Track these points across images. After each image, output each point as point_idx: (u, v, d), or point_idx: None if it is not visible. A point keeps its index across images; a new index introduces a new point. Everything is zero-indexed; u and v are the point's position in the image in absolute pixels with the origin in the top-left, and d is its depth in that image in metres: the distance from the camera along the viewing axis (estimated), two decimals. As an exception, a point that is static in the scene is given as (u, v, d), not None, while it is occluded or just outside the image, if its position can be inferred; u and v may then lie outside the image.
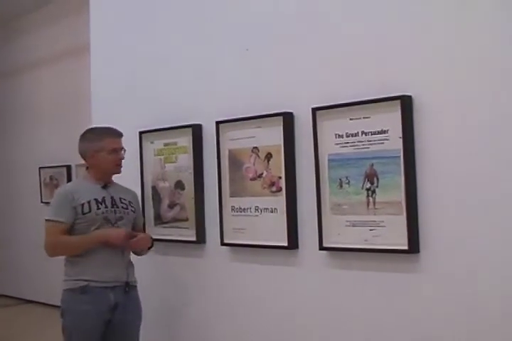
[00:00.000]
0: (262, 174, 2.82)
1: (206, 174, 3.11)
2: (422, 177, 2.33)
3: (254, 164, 2.85)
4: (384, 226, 2.40)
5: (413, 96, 2.34)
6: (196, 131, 3.12)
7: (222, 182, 2.97)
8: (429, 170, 2.31)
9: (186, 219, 3.16)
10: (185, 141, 3.16)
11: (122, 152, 2.94)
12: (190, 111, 3.18)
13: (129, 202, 2.98)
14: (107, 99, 3.67)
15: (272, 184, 2.77)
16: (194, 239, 3.11)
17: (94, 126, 2.98)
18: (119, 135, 2.94)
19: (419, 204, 2.33)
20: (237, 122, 2.89)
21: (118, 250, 2.88)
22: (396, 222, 2.36)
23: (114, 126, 3.01)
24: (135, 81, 3.48)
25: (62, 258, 2.92)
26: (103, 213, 2.88)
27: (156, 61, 3.36)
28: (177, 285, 3.25)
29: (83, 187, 2.87)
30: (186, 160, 3.17)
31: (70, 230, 2.84)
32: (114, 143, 2.91)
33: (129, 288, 2.91)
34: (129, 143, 3.43)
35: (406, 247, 2.33)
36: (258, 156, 2.83)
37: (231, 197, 2.94)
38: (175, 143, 3.22)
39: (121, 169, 2.96)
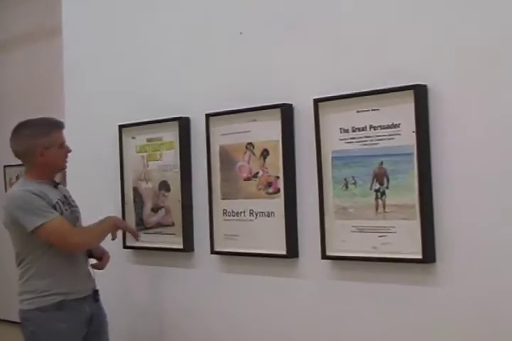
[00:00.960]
0: (257, 173, 2.82)
1: (195, 173, 3.12)
2: (438, 177, 2.33)
3: (248, 162, 2.85)
4: (395, 233, 2.40)
5: (428, 86, 2.33)
6: (183, 124, 3.13)
7: (213, 183, 2.98)
8: (446, 169, 2.31)
9: (172, 225, 3.17)
10: (171, 135, 3.17)
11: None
12: (177, 102, 3.18)
13: (74, 200, 3.06)
14: (82, 87, 3.67)
15: (269, 185, 2.78)
16: (181, 246, 3.12)
17: (26, 119, 2.97)
18: (63, 126, 2.96)
19: (435, 207, 2.33)
20: (230, 115, 2.90)
21: (83, 257, 2.94)
22: (409, 227, 2.36)
23: (52, 117, 2.99)
24: (114, 67, 3.49)
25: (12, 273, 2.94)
26: (71, 214, 2.93)
27: (139, 46, 3.37)
28: (160, 299, 3.24)
29: (43, 188, 2.85)
30: (172, 157, 3.17)
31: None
32: (62, 136, 2.92)
33: (97, 295, 2.98)
34: (107, 139, 3.44)
35: (420, 256, 2.33)
36: (253, 153, 2.84)
37: (223, 199, 2.95)
38: (159, 139, 3.23)
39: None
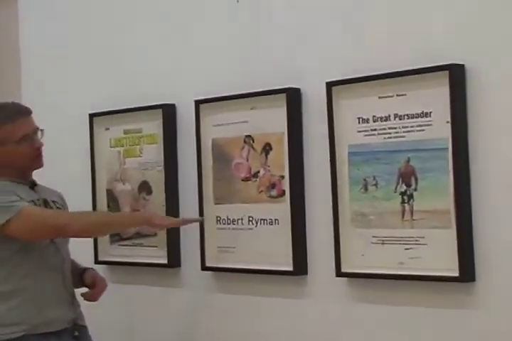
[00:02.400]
0: (257, 173, 2.83)
1: (182, 173, 3.12)
2: (477, 176, 2.33)
3: (247, 159, 2.86)
4: (425, 245, 2.40)
5: (466, 66, 2.34)
6: (168, 113, 3.14)
7: (204, 184, 2.99)
8: (487, 168, 2.31)
9: (154, 235, 3.17)
10: (153, 127, 3.18)
11: (38, 135, 2.81)
12: (160, 86, 3.19)
13: (61, 205, 2.95)
14: (42, 66, 3.68)
15: (272, 186, 2.78)
16: (165, 261, 3.13)
17: None
18: (26, 112, 2.77)
19: (475, 213, 2.33)
20: (224, 102, 2.91)
21: (58, 274, 2.80)
22: (442, 238, 2.36)
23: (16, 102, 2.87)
24: (83, 46, 3.49)
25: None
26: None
27: (113, 19, 3.38)
28: (139, 325, 3.23)
29: (13, 187, 2.76)
30: (154, 153, 3.18)
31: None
32: (22, 127, 2.73)
33: (78, 330, 2.80)
34: (75, 130, 3.46)
35: (456, 273, 2.33)
36: (252, 148, 2.84)
37: (216, 204, 2.96)
38: (139, 130, 3.23)
39: (43, 159, 2.82)
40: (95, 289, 2.83)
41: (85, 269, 2.89)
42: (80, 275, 2.86)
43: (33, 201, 2.73)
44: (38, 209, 2.69)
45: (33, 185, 2.82)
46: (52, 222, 2.63)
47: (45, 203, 2.80)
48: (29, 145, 2.73)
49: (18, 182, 2.75)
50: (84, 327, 2.83)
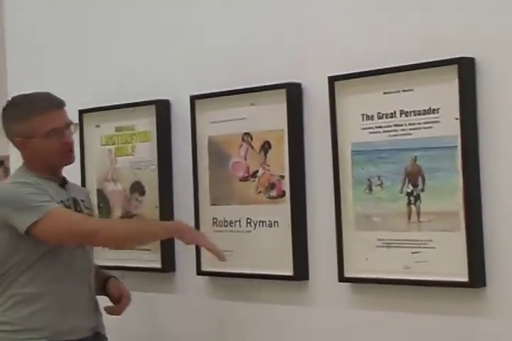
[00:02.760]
0: (256, 172, 2.83)
1: (176, 172, 3.13)
2: (488, 176, 2.33)
3: (245, 158, 2.86)
4: (433, 248, 2.40)
5: (476, 59, 2.33)
6: (162, 109, 3.14)
7: (200, 184, 2.99)
8: (499, 167, 2.31)
9: None
10: (146, 124, 3.18)
11: (71, 129, 2.76)
12: (154, 80, 3.19)
13: (90, 205, 2.94)
14: (29, 59, 3.67)
15: (271, 186, 2.79)
16: (159, 265, 3.13)
17: (22, 93, 2.82)
18: (59, 104, 2.75)
19: (485, 215, 2.33)
20: (221, 97, 2.91)
21: (85, 280, 2.77)
22: (450, 241, 2.36)
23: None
24: (74, 37, 3.49)
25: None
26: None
27: (108, 12, 3.38)
28: (132, 332, 3.23)
29: (43, 184, 2.72)
30: (148, 151, 3.18)
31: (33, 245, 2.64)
32: (52, 120, 2.70)
33: (99, 340, 2.79)
34: None
35: (466, 279, 2.33)
36: (251, 146, 2.84)
37: (212, 205, 2.96)
38: (131, 128, 3.23)
39: (73, 155, 2.80)
40: (121, 304, 2.84)
41: (109, 277, 2.88)
42: (103, 283, 2.85)
43: (62, 201, 2.71)
44: (67, 213, 2.67)
45: (63, 182, 2.80)
46: (80, 228, 2.61)
47: (75, 203, 2.79)
48: (58, 140, 2.70)
49: (47, 178, 2.72)
50: (105, 338, 2.82)
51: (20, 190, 2.63)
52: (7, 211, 2.60)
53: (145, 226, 2.75)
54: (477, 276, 2.31)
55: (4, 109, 2.77)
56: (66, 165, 2.80)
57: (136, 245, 2.89)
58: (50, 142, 2.69)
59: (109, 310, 2.82)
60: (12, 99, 2.81)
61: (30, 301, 2.64)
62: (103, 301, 2.86)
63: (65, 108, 2.76)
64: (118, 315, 2.84)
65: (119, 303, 2.83)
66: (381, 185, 2.50)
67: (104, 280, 2.86)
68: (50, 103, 2.73)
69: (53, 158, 2.72)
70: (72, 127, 2.77)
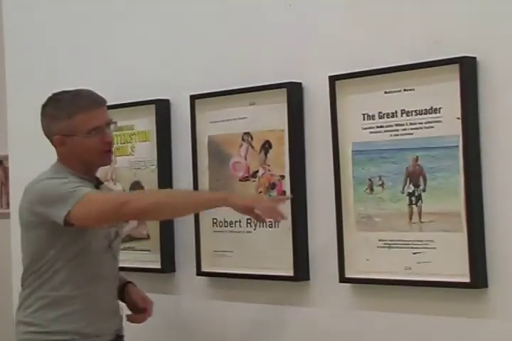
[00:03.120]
0: (256, 172, 2.83)
1: (176, 172, 3.12)
2: (490, 176, 2.33)
3: (245, 158, 2.86)
4: (434, 249, 2.40)
5: (478, 59, 2.33)
6: (162, 109, 3.14)
7: (200, 184, 2.99)
8: (501, 167, 2.31)
9: (147, 238, 3.19)
10: (146, 123, 3.18)
11: (111, 128, 2.72)
12: (153, 80, 3.19)
13: None
14: (28, 59, 3.67)
15: (272, 186, 2.78)
16: (158, 266, 3.13)
17: (63, 90, 2.75)
18: (101, 102, 2.69)
19: (487, 216, 2.33)
20: (221, 97, 2.91)
21: (112, 283, 2.74)
22: (452, 241, 2.36)
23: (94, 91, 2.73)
24: (73, 35, 3.49)
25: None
26: (112, 227, 2.72)
27: (107, 10, 3.37)
28: (132, 334, 3.19)
29: (78, 181, 2.67)
30: (147, 151, 3.18)
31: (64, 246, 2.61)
32: (95, 118, 2.65)
33: None
34: None
35: (467, 279, 2.33)
36: (251, 146, 2.84)
37: None
38: (130, 127, 3.23)
39: (112, 156, 2.76)
40: (146, 314, 2.82)
41: (127, 282, 2.85)
42: (121, 288, 2.82)
43: None
44: (97, 194, 2.62)
45: (98, 183, 2.76)
46: (111, 202, 2.55)
47: None
48: (100, 139, 2.65)
49: (83, 177, 2.67)
50: (122, 337, 2.81)
51: (53, 183, 2.59)
52: (44, 207, 2.56)
53: (181, 197, 2.62)
54: (479, 277, 2.31)
55: (45, 106, 2.72)
56: (104, 165, 2.78)
57: (168, 217, 2.80)
58: (91, 141, 2.64)
59: (132, 319, 2.80)
60: (53, 95, 2.73)
61: (60, 304, 2.61)
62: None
63: (106, 106, 2.71)
64: (139, 323, 2.82)
65: (145, 313, 2.81)
66: (382, 185, 2.50)
67: (122, 285, 2.83)
68: (92, 101, 2.68)
69: (92, 157, 2.67)
70: (112, 126, 2.72)
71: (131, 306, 2.83)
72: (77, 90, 2.71)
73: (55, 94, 2.73)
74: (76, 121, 2.62)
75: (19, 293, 2.73)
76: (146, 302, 2.83)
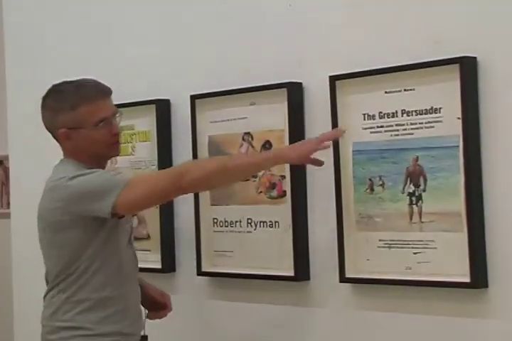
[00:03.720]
0: None
1: None
2: (490, 176, 2.33)
3: None
4: (434, 249, 2.40)
5: (478, 59, 2.33)
6: (162, 109, 3.14)
7: None
8: (501, 167, 2.31)
9: (147, 238, 3.18)
10: (146, 123, 3.19)
11: (117, 118, 2.59)
12: (154, 80, 3.19)
13: None
14: (28, 58, 3.67)
15: (272, 186, 2.79)
16: (159, 265, 3.14)
17: (64, 80, 2.62)
18: (107, 92, 2.57)
19: (487, 216, 2.33)
20: (222, 97, 2.91)
21: (137, 282, 2.65)
22: (452, 242, 2.36)
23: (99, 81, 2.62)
24: (73, 34, 3.49)
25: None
26: (127, 222, 2.62)
27: (107, 9, 3.38)
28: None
29: None
30: (148, 151, 3.18)
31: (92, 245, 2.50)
32: (101, 109, 2.53)
33: None
34: None
35: (468, 279, 2.33)
36: (252, 146, 2.84)
37: (213, 205, 2.96)
38: (131, 127, 3.23)
39: (120, 147, 2.63)
40: (166, 310, 2.77)
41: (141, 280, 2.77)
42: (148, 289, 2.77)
43: None
44: (144, 174, 2.56)
45: None
46: (164, 178, 2.44)
47: None
48: (107, 131, 2.54)
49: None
50: (147, 337, 2.75)
51: (89, 178, 2.45)
52: (84, 204, 2.44)
53: (237, 160, 2.48)
54: (479, 277, 2.31)
55: (45, 98, 2.59)
56: (113, 156, 2.70)
57: (228, 182, 2.65)
58: (98, 133, 2.52)
59: (153, 316, 2.75)
60: (54, 86, 2.61)
61: (102, 305, 2.52)
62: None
63: (111, 96, 2.61)
64: (160, 319, 2.78)
65: (165, 309, 2.76)
66: (382, 185, 2.50)
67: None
68: (98, 90, 2.55)
69: (101, 149, 2.55)
70: (118, 117, 2.60)
71: (150, 303, 2.76)
72: (79, 80, 2.58)
73: (55, 86, 2.60)
74: (82, 113, 2.50)
75: (48, 298, 2.57)
76: (165, 298, 2.78)
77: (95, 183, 2.44)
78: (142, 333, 2.67)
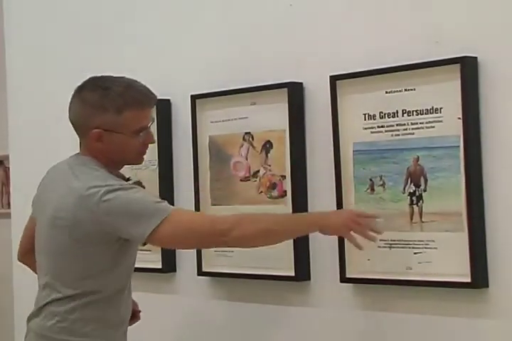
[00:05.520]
0: (257, 172, 2.84)
1: (177, 172, 3.13)
2: (491, 176, 2.33)
3: (246, 158, 2.87)
4: (435, 249, 2.41)
5: (479, 59, 2.33)
6: (162, 109, 3.15)
7: (201, 184, 3.00)
8: (502, 167, 2.31)
9: None
10: None
11: (151, 128, 2.49)
12: (153, 79, 3.13)
13: None
14: (29, 58, 3.68)
15: (273, 186, 2.79)
16: (159, 265, 3.13)
17: (103, 75, 2.47)
18: (154, 100, 2.47)
19: (488, 216, 2.33)
20: (222, 97, 2.91)
21: (129, 295, 2.55)
22: (453, 241, 2.37)
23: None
24: (74, 34, 3.49)
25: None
26: None
27: (108, 9, 3.38)
28: (133, 333, 3.20)
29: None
30: (148, 151, 3.09)
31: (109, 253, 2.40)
32: (145, 118, 2.42)
33: None
34: (63, 128, 3.39)
35: (468, 279, 2.34)
36: (252, 146, 2.85)
37: (213, 205, 2.96)
38: None
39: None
40: (136, 319, 2.69)
41: None
42: None
43: None
44: (187, 213, 2.46)
45: (127, 180, 2.52)
46: (210, 226, 2.32)
47: None
48: (142, 140, 2.43)
49: (116, 175, 2.46)
50: None
51: (128, 197, 2.32)
52: (121, 224, 2.31)
53: (285, 223, 2.40)
54: (480, 277, 2.31)
55: (87, 91, 2.42)
56: (136, 164, 2.58)
57: (269, 244, 2.43)
58: (135, 140, 2.41)
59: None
60: (99, 81, 2.43)
61: (93, 318, 2.43)
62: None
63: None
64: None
65: (135, 318, 2.67)
66: (383, 185, 2.51)
67: None
68: (147, 97, 2.44)
69: (130, 156, 2.45)
70: (151, 126, 2.51)
71: None
72: (128, 81, 2.43)
73: (100, 80, 2.43)
74: (126, 118, 2.37)
75: (47, 307, 2.45)
76: (135, 309, 2.67)
77: (138, 205, 2.31)
78: None
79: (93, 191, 2.32)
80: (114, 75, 2.45)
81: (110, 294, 2.43)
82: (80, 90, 2.44)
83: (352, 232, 2.31)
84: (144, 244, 2.40)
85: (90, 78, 2.46)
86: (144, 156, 2.52)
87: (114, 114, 2.37)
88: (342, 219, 2.33)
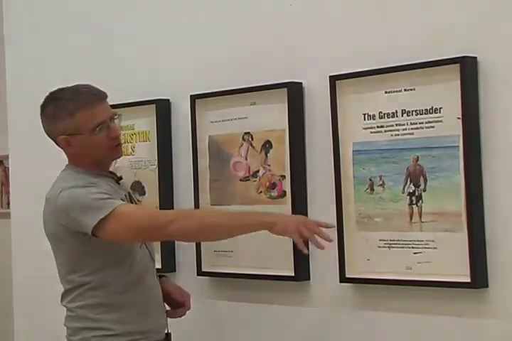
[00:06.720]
0: (257, 172, 2.84)
1: (176, 172, 3.12)
2: (490, 176, 2.33)
3: (246, 158, 2.86)
4: (435, 249, 2.41)
5: (479, 59, 2.33)
6: (162, 109, 3.14)
7: (200, 184, 2.99)
8: (501, 167, 2.31)
9: None
10: (146, 123, 3.19)
11: (115, 121, 2.58)
12: (154, 80, 3.19)
13: (137, 198, 2.84)
14: (28, 58, 3.67)
15: (272, 186, 2.79)
16: (159, 266, 3.09)
17: (59, 88, 2.60)
18: (103, 96, 2.58)
19: (487, 216, 2.34)
20: (222, 97, 2.91)
21: (156, 281, 2.65)
22: (453, 241, 2.37)
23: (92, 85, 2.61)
24: (72, 33, 3.49)
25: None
26: None
27: (107, 8, 3.38)
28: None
29: (102, 182, 2.57)
30: (147, 151, 3.18)
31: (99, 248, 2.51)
32: (97, 114, 2.53)
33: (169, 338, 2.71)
34: None
35: (468, 279, 2.34)
36: (252, 146, 2.85)
37: (213, 205, 2.96)
38: (131, 127, 3.23)
39: (121, 149, 2.62)
40: (185, 308, 2.72)
41: (161, 276, 2.76)
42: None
43: (122, 199, 2.56)
44: (133, 207, 2.55)
45: (119, 178, 2.66)
46: (152, 219, 2.44)
47: (131, 198, 2.69)
48: (105, 135, 2.53)
49: (103, 175, 2.59)
50: (170, 335, 2.73)
51: (81, 192, 2.46)
52: (72, 217, 2.45)
53: (228, 220, 2.43)
54: (479, 277, 2.31)
55: (44, 106, 2.60)
56: (115, 159, 2.66)
57: (212, 240, 2.60)
58: (97, 137, 2.52)
59: (175, 314, 2.71)
60: (51, 94, 2.61)
61: (119, 308, 2.53)
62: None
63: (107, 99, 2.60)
64: (180, 316, 2.74)
65: (184, 307, 2.71)
66: (383, 185, 2.51)
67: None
68: (94, 95, 2.56)
69: (102, 153, 2.56)
70: (116, 118, 2.59)
71: (168, 301, 2.71)
72: (74, 86, 2.59)
73: (52, 93, 2.62)
74: (79, 119, 2.51)
75: (65, 302, 2.57)
76: (184, 296, 2.73)
77: (87, 200, 2.44)
78: (166, 331, 2.65)
79: (55, 193, 2.53)
80: (69, 85, 2.59)
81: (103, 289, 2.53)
82: (41, 108, 2.61)
83: (300, 236, 2.32)
84: (95, 237, 2.45)
85: (47, 94, 2.62)
86: (121, 149, 2.61)
87: (69, 119, 2.51)
88: (293, 219, 2.40)
